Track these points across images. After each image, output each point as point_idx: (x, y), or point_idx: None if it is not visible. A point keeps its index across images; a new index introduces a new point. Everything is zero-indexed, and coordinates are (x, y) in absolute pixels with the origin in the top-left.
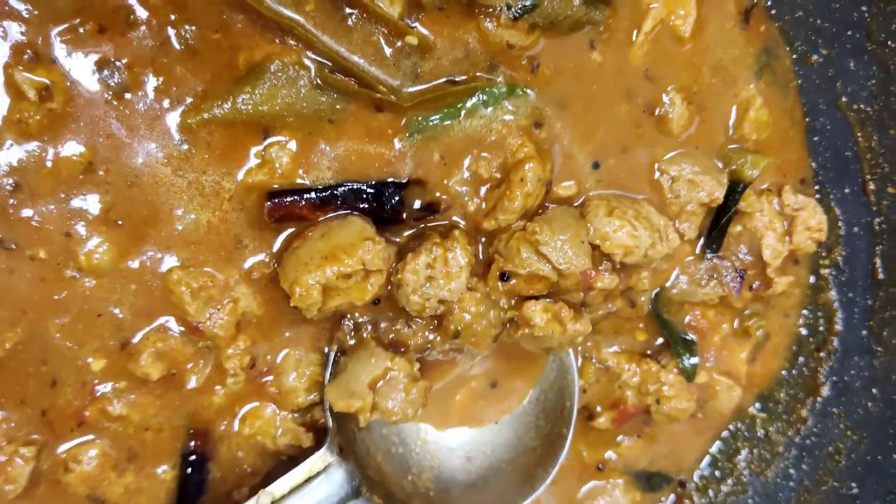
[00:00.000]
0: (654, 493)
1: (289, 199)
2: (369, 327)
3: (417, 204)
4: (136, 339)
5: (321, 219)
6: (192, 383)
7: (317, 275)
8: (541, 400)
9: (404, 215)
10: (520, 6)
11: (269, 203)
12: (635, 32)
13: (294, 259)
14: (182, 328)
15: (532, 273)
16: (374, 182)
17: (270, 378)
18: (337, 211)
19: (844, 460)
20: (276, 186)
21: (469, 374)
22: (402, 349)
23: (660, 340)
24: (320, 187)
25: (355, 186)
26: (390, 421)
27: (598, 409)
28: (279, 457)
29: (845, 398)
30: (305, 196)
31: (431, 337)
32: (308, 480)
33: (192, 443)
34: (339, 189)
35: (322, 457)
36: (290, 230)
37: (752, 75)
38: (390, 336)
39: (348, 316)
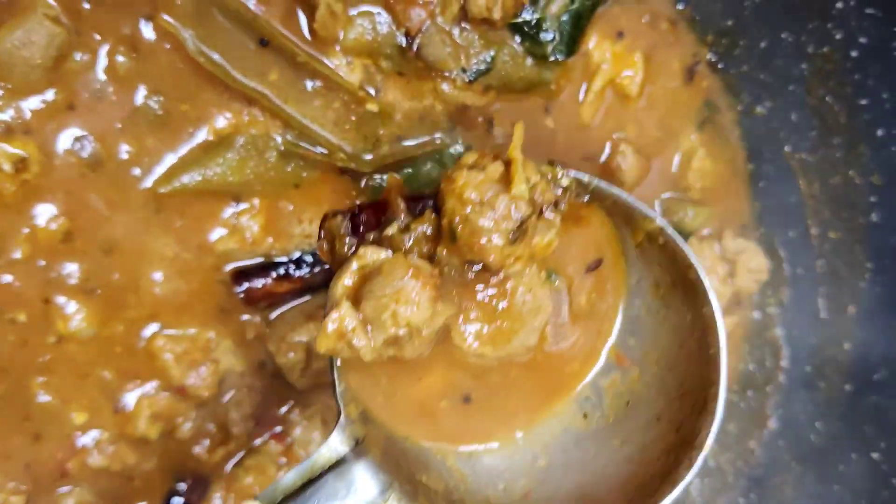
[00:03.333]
0: None
1: (259, 282)
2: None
3: None
4: (127, 402)
5: (294, 301)
6: (187, 434)
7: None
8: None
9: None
10: (474, 69)
11: (239, 289)
12: (585, 91)
13: (280, 321)
14: (167, 392)
15: None
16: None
17: (279, 429)
18: (304, 281)
19: (791, 490)
20: (240, 265)
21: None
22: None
23: None
24: (284, 260)
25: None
26: (392, 335)
27: None
28: None
29: (791, 431)
30: (272, 274)
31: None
32: (309, 483)
33: (181, 484)
34: (301, 257)
35: (331, 448)
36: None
37: (695, 128)
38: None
39: None
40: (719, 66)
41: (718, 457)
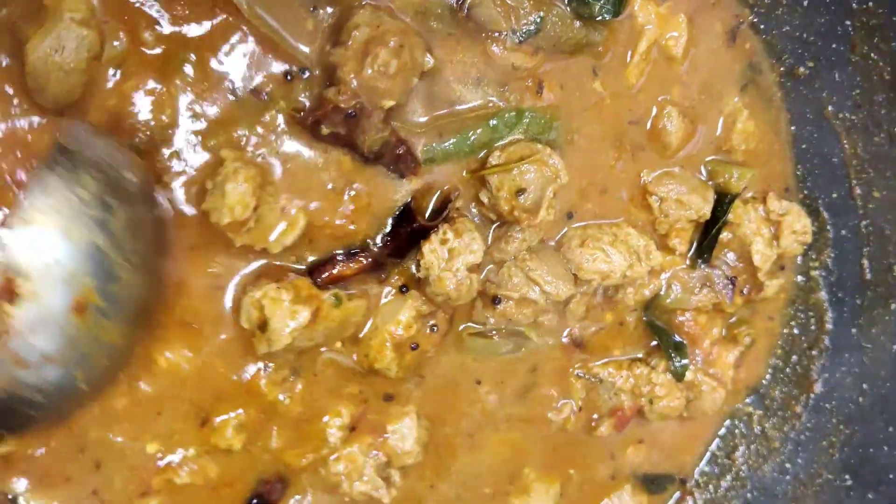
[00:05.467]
0: (660, 493)
1: (333, 269)
2: None
3: (430, 206)
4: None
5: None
6: (277, 443)
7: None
8: None
9: (419, 220)
10: (524, 30)
11: (316, 277)
12: (630, 53)
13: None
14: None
15: (522, 297)
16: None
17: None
18: (369, 258)
19: (838, 453)
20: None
21: None
22: None
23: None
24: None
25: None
26: None
27: (596, 416)
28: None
29: (837, 394)
30: (339, 259)
31: None
32: None
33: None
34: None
35: None
36: None
37: (738, 90)
38: None
39: None
40: (761, 27)
41: (763, 422)
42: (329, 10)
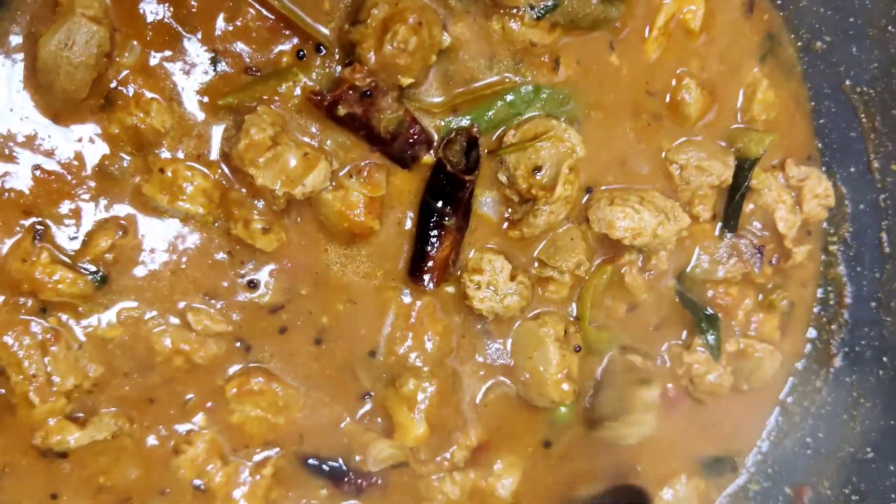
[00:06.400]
0: (718, 478)
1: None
2: None
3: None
4: None
5: None
6: None
7: None
8: None
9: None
10: (542, 6)
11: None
12: (648, 28)
13: None
14: None
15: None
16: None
17: None
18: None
19: (859, 427)
20: None
21: None
22: None
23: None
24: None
25: None
26: None
27: None
28: None
29: (857, 367)
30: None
31: None
32: None
33: None
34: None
35: None
36: None
37: (757, 61)
38: None
39: None
40: (778, 2)
41: (784, 398)
42: None
